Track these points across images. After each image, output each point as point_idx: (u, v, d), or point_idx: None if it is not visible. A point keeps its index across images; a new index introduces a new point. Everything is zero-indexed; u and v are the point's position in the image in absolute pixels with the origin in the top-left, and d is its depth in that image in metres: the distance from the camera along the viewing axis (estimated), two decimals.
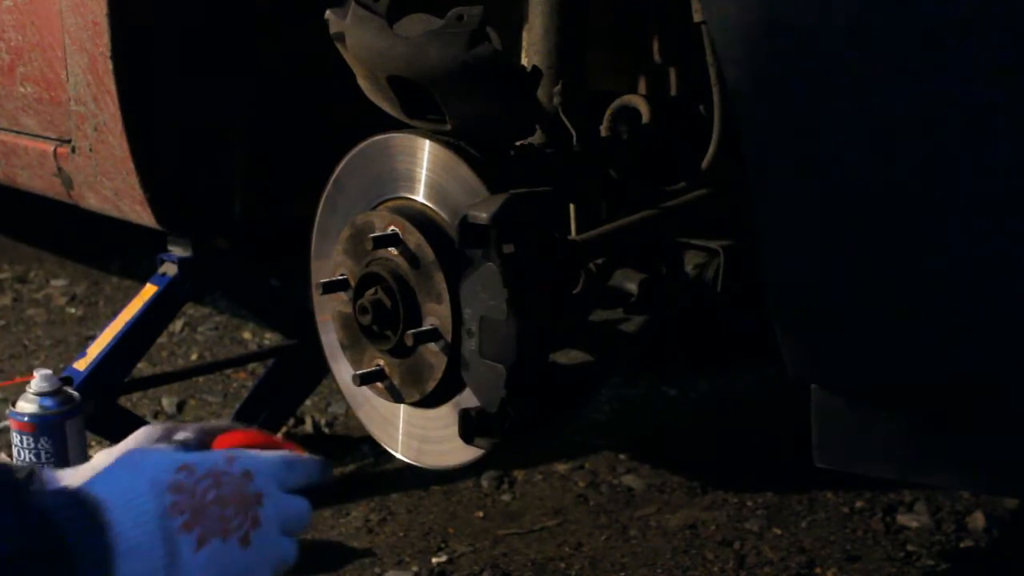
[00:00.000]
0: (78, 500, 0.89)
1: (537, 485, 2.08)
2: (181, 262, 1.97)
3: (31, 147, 2.01)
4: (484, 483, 2.08)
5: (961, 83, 1.03)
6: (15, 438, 1.68)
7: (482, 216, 1.26)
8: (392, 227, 1.39)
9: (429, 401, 1.44)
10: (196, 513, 0.92)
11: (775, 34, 1.09)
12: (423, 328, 1.38)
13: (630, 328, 1.48)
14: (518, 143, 1.44)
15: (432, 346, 1.38)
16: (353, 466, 2.17)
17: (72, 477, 1.01)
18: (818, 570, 1.81)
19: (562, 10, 1.46)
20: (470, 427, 1.34)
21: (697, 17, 1.40)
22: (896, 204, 1.09)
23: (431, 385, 1.40)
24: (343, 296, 1.48)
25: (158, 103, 1.81)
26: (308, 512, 1.01)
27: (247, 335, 2.87)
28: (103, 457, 1.03)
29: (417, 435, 1.51)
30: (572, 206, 1.50)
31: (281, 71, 1.91)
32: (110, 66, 1.75)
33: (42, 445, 1.67)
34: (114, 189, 1.86)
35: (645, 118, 1.54)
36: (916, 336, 1.14)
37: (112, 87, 1.76)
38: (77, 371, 1.87)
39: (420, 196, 1.40)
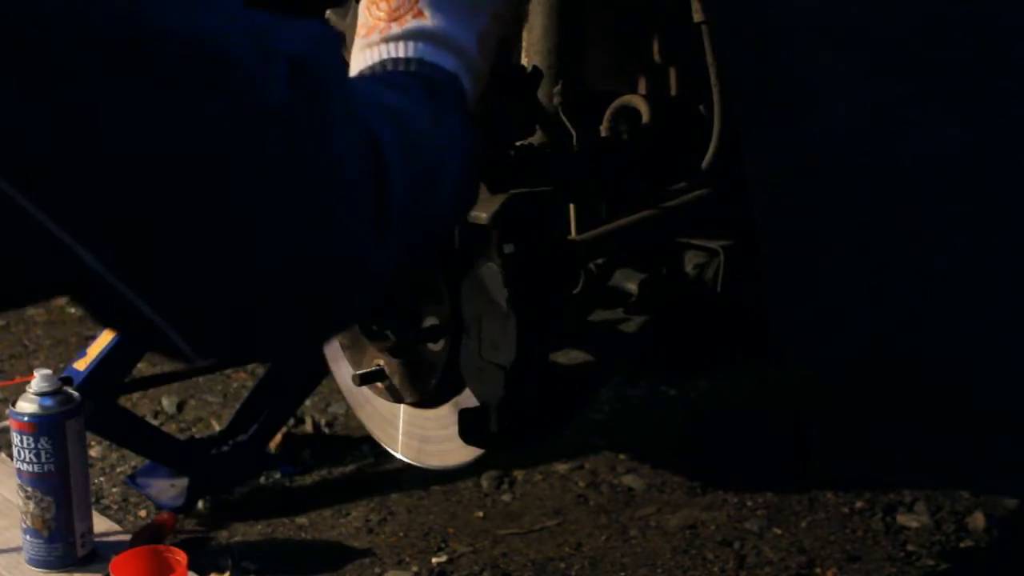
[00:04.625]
0: None
1: (537, 485, 2.08)
2: None
3: None
4: (484, 483, 2.08)
5: (966, 87, 1.03)
6: (15, 438, 1.68)
7: (482, 216, 1.26)
8: None
9: (429, 401, 1.44)
10: None
11: (775, 33, 1.09)
12: (423, 328, 1.38)
13: (630, 328, 1.48)
14: (518, 143, 1.44)
15: (432, 346, 1.38)
16: (353, 466, 2.17)
17: None
18: (818, 570, 1.81)
19: (562, 10, 1.46)
20: (470, 427, 1.34)
21: (697, 17, 1.40)
22: (895, 202, 1.09)
23: (431, 385, 1.40)
24: None
25: None
26: None
27: None
28: None
29: (417, 435, 1.50)
30: (572, 206, 1.50)
31: None
32: None
33: (42, 445, 1.67)
34: None
35: (645, 118, 1.53)
36: (916, 336, 1.14)
37: None
38: (77, 371, 1.87)
39: None
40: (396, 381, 1.44)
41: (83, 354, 1.91)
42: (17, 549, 1.74)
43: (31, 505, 1.69)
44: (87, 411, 1.75)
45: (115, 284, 0.76)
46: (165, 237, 0.75)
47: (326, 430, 2.31)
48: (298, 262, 0.80)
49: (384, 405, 1.53)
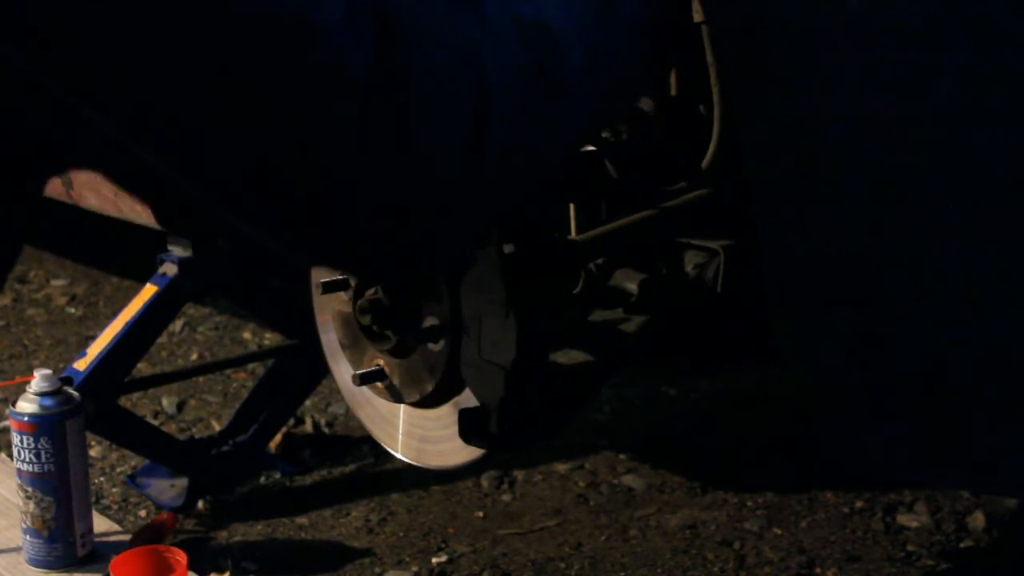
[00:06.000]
0: None
1: (537, 485, 2.08)
2: (181, 262, 1.97)
3: None
4: (484, 483, 2.08)
5: (962, 86, 1.03)
6: (15, 438, 1.68)
7: None
8: None
9: (429, 401, 1.44)
10: None
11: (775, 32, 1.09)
12: (423, 328, 1.38)
13: (630, 328, 1.48)
14: None
15: (432, 346, 1.38)
16: (353, 466, 2.17)
17: None
18: (818, 570, 1.81)
19: None
20: (470, 427, 1.34)
21: (697, 17, 1.39)
22: (894, 202, 1.09)
23: (431, 385, 1.40)
24: (343, 296, 1.48)
25: None
26: None
27: (247, 335, 2.87)
28: None
29: (417, 435, 1.51)
30: (572, 206, 1.50)
31: None
32: None
33: (42, 445, 1.67)
34: (114, 189, 1.86)
35: (645, 118, 1.53)
36: (915, 336, 1.14)
37: None
38: (77, 371, 1.87)
39: None
40: (396, 381, 1.45)
41: (83, 354, 1.91)
42: (17, 549, 1.74)
43: (31, 505, 1.69)
44: (87, 411, 1.75)
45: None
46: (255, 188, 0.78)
47: (326, 430, 2.31)
48: (384, 203, 0.81)
49: (384, 405, 1.53)
